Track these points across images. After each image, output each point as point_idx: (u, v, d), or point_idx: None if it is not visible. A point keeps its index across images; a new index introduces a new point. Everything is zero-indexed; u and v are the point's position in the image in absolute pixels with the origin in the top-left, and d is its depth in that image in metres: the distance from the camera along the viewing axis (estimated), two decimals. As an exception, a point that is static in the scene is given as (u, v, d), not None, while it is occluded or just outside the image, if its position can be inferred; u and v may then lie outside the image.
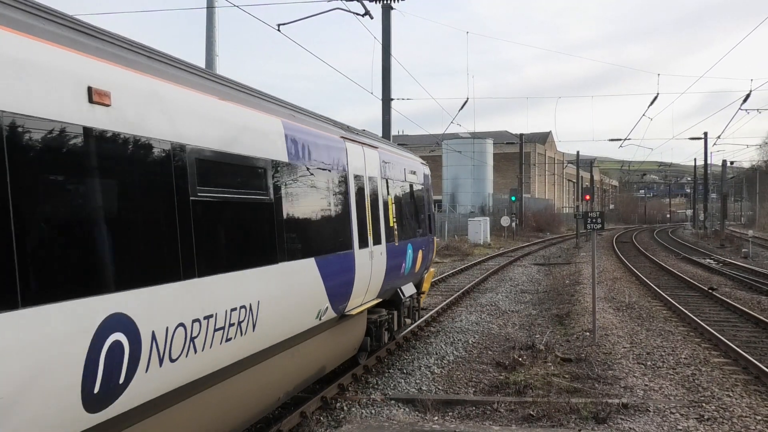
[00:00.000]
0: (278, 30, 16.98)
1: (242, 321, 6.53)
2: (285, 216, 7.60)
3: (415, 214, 13.78)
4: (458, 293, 22.11)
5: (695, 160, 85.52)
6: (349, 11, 19.26)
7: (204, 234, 5.93)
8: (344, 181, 9.69)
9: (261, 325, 6.92)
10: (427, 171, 15.33)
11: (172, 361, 5.43)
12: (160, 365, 5.29)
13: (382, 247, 11.22)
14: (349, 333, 10.42)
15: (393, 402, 10.35)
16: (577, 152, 69.18)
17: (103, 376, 4.65)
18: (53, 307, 4.23)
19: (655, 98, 31.94)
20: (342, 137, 9.92)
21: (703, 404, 10.02)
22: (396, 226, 12.13)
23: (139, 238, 5.16)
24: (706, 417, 9.46)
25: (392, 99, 23.86)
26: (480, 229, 49.78)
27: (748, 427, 9.08)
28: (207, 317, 5.90)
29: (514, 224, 57.89)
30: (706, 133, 63.86)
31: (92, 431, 4.68)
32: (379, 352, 12.77)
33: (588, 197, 52.06)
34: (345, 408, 10.07)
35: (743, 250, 41.67)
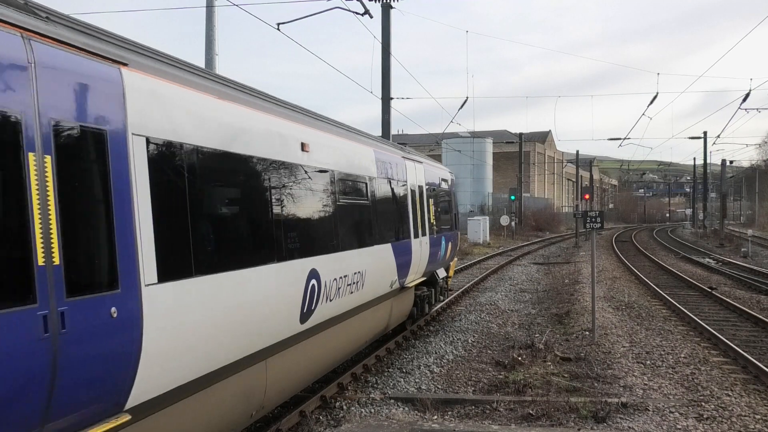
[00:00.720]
0: (278, 29, 16.97)
1: (358, 281, 10.22)
2: (376, 214, 11.34)
3: (446, 213, 17.19)
4: (458, 292, 22.11)
5: (695, 159, 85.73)
6: (349, 10, 19.25)
7: (342, 226, 9.65)
8: (405, 188, 13.28)
9: (366, 285, 10.65)
10: (453, 177, 18.76)
11: (329, 300, 9.07)
12: (328, 301, 9.02)
13: (426, 238, 14.61)
14: (404, 302, 13.99)
15: (392, 401, 10.35)
16: (577, 151, 69.22)
17: (307, 303, 8.30)
18: (297, 261, 8.03)
19: (655, 97, 31.93)
20: (402, 157, 13.61)
21: (703, 403, 10.03)
22: (435, 222, 15.51)
23: (324, 227, 9.08)
24: (705, 416, 9.47)
25: (392, 98, 23.85)
26: (479, 229, 49.76)
27: (747, 426, 9.08)
28: (344, 276, 9.56)
29: (513, 223, 57.91)
30: (705, 133, 63.98)
31: (301, 335, 8.39)
32: (419, 321, 16.20)
33: (587, 196, 52.07)
34: (344, 407, 10.07)
35: (742, 249, 41.70)
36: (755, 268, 30.49)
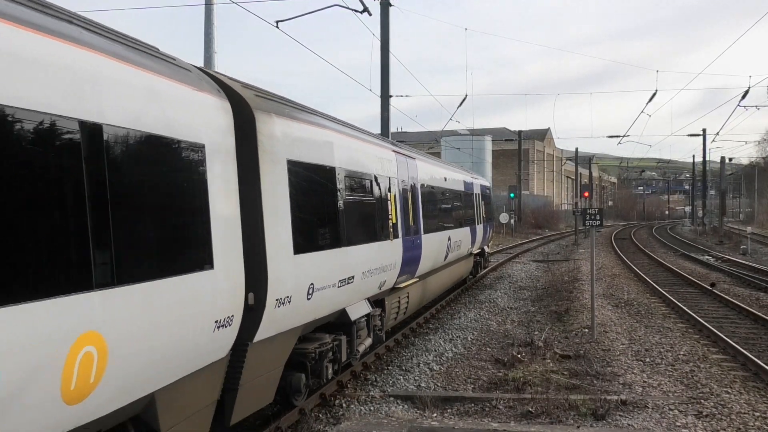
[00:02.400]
0: (276, 27, 16.94)
1: (461, 244, 18.76)
2: (467, 209, 20.75)
3: (486, 210, 25.20)
4: (457, 290, 22.11)
5: (694, 156, 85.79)
6: (348, 8, 19.21)
7: (457, 214, 18.92)
8: (473, 195, 22.24)
9: (462, 246, 19.08)
10: (488, 183, 28.21)
11: (453, 251, 17.64)
12: (453, 251, 17.68)
13: (482, 226, 23.30)
14: (468, 264, 22.55)
15: (392, 399, 10.35)
16: (576, 149, 69.16)
17: (446, 251, 17.03)
18: (444, 232, 16.79)
19: (654, 95, 31.91)
20: (472, 177, 23.24)
21: (702, 401, 10.03)
22: (484, 215, 24.20)
23: (452, 214, 18.49)
24: (704, 413, 9.47)
25: (391, 96, 23.80)
26: (479, 226, 49.76)
27: (747, 424, 9.08)
28: (458, 240, 18.41)
29: (512, 221, 57.87)
30: (704, 130, 63.90)
31: (443, 266, 17.57)
32: (471, 281, 24.59)
33: (587, 194, 52.07)
34: (344, 405, 10.07)
35: (742, 246, 41.71)
36: (754, 265, 30.49)
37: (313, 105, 9.96)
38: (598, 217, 15.64)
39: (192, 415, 6.51)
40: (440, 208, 17.06)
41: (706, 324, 15.66)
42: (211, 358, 6.58)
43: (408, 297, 14.18)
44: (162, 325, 5.57)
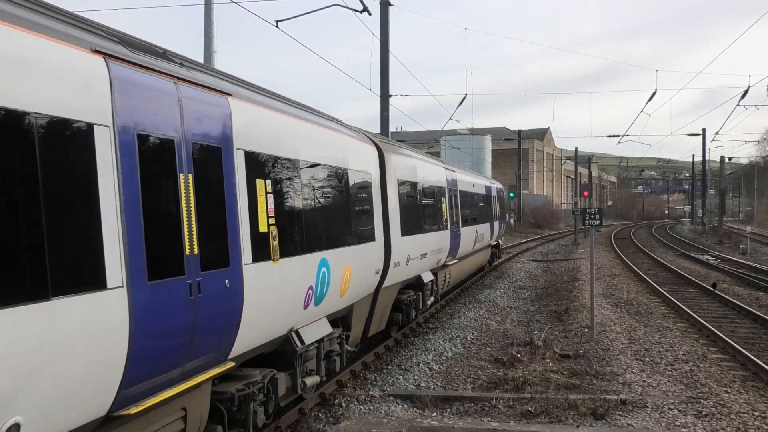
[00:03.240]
0: (276, 26, 16.93)
1: (483, 236, 24.12)
2: (489, 208, 26.14)
3: (500, 209, 29.83)
4: (456, 290, 22.12)
5: (693, 156, 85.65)
6: (348, 7, 19.20)
7: (476, 212, 22.77)
8: (490, 196, 26.38)
9: (480, 240, 23.43)
10: (501, 186, 32.93)
11: (477, 242, 22.74)
12: (476, 243, 22.27)
13: (498, 222, 28.11)
14: (487, 253, 27.16)
15: (391, 398, 10.36)
16: (576, 148, 69.20)
17: (474, 241, 22.03)
18: (473, 227, 21.73)
19: (654, 94, 31.94)
20: (490, 182, 28.25)
21: (701, 400, 10.03)
22: (500, 214, 29.31)
23: (479, 212, 23.66)
24: (704, 413, 9.47)
25: (391, 95, 23.80)
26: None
27: (746, 423, 9.09)
28: (482, 233, 23.73)
29: (512, 220, 57.84)
30: (704, 129, 63.92)
31: (468, 254, 21.57)
32: (488, 269, 28.89)
33: (586, 193, 52.11)
34: (343, 404, 10.07)
35: (741, 246, 41.71)
36: (754, 264, 30.50)
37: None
38: (597, 216, 15.65)
39: (357, 324, 11.40)
40: (471, 207, 21.87)
41: (705, 323, 15.66)
42: (369, 291, 11.63)
43: (450, 273, 19.15)
44: (364, 264, 10.85)
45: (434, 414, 9.69)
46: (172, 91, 5.90)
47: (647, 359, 12.72)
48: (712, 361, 12.61)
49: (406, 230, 13.16)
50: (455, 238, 18.34)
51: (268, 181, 7.54)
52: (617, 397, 10.05)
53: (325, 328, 9.34)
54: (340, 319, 10.49)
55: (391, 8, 23.11)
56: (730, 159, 75.43)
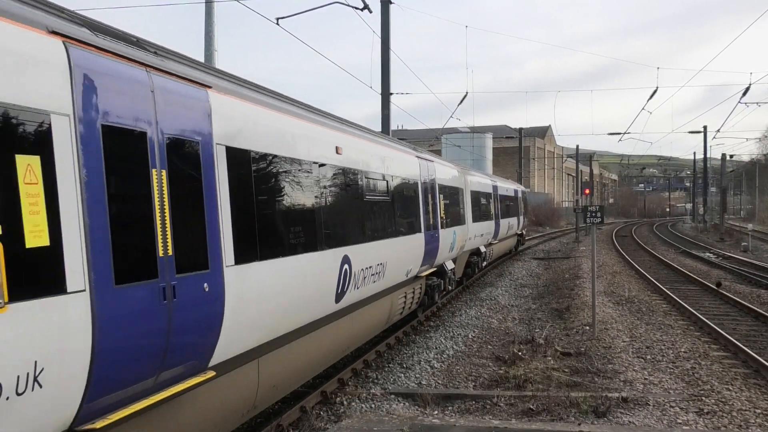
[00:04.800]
0: (277, 24, 16.91)
1: (508, 234, 32.21)
2: (522, 206, 37.93)
3: (522, 207, 36.99)
4: (458, 288, 22.11)
5: (694, 153, 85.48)
6: (348, 5, 19.17)
7: (501, 210, 29.79)
8: (516, 197, 35.49)
9: (510, 229, 32.49)
10: (525, 189, 41.02)
11: (502, 232, 30.04)
12: (501, 234, 29.91)
13: (522, 217, 37.63)
14: (513, 240, 36.18)
15: (393, 396, 10.36)
16: (577, 146, 69.07)
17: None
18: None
19: (655, 92, 31.86)
20: (517, 186, 38.32)
21: (703, 398, 10.03)
22: (523, 211, 38.37)
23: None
24: (705, 410, 9.47)
25: (392, 93, 23.77)
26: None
27: (748, 421, 9.08)
28: (507, 225, 30.87)
29: (513, 218, 57.78)
30: (705, 127, 63.87)
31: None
32: (511, 255, 36.20)
33: (587, 191, 52.03)
34: (345, 402, 10.08)
35: (743, 243, 41.66)
36: (755, 262, 30.47)
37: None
38: (598, 214, 15.63)
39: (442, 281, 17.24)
40: (505, 205, 30.02)
41: (707, 321, 15.64)
42: (455, 255, 18.28)
43: (493, 250, 27.53)
44: (453, 242, 17.72)
45: (435, 412, 9.69)
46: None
47: (648, 357, 12.72)
48: (713, 358, 12.60)
49: (475, 218, 21.79)
50: (497, 227, 27.24)
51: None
52: (619, 394, 10.05)
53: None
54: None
55: (392, 6, 23.08)
56: (731, 156, 75.28)
